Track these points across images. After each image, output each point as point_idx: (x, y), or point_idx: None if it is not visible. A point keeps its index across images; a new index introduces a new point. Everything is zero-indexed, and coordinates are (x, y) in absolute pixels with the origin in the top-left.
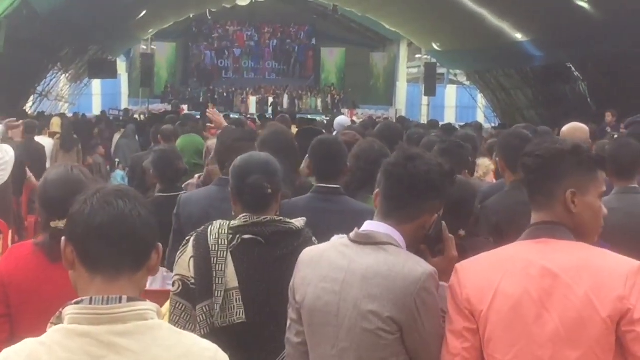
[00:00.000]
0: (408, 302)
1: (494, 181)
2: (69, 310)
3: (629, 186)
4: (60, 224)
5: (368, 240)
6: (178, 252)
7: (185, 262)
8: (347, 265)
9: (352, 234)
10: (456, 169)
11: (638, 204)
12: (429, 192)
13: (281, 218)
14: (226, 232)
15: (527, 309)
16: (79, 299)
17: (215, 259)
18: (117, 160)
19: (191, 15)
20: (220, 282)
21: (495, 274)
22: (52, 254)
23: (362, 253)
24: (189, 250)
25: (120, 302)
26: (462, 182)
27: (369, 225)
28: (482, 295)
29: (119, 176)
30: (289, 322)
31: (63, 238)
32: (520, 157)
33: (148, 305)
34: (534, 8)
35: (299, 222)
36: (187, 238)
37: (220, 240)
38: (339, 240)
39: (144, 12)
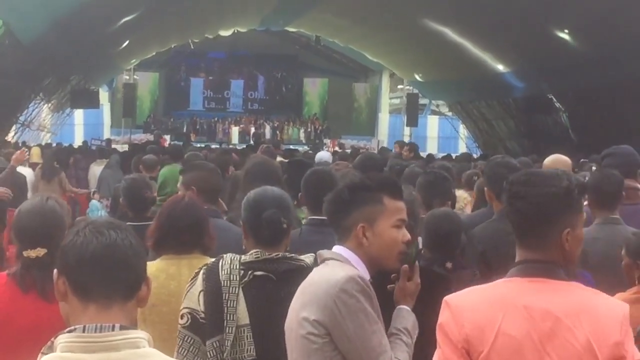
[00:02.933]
0: (329, 303)
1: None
2: (62, 339)
3: (610, 217)
4: (32, 253)
5: (320, 259)
6: (187, 285)
7: (194, 295)
8: (302, 283)
9: None
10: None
11: (619, 234)
12: (345, 207)
13: (292, 255)
14: (237, 267)
15: (529, 351)
16: (72, 327)
17: (227, 294)
18: (93, 190)
19: (173, 46)
20: (231, 319)
21: (495, 313)
22: (24, 284)
23: (313, 272)
24: (199, 283)
25: (113, 330)
26: (450, 214)
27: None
28: (482, 335)
29: (94, 206)
30: None
31: (55, 270)
32: (507, 197)
33: (140, 334)
34: (516, 39)
35: (308, 258)
36: (196, 271)
37: (232, 276)
38: None
39: (126, 42)
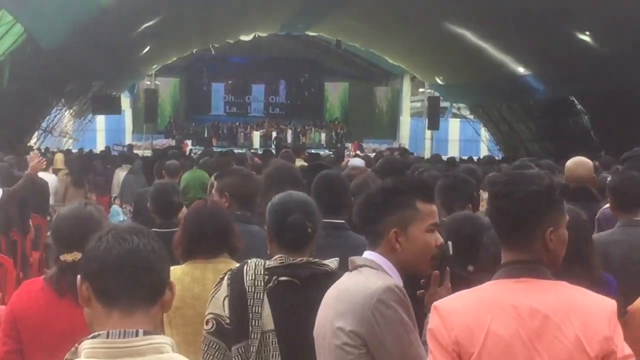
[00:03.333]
0: (366, 314)
1: None
2: (86, 345)
3: (633, 219)
4: (69, 257)
5: (352, 266)
6: (212, 290)
7: (219, 300)
8: (331, 290)
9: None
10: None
11: None
12: (378, 214)
13: (316, 260)
14: (262, 272)
15: (518, 350)
16: (96, 333)
17: (252, 300)
18: (113, 195)
19: (194, 51)
20: (256, 324)
21: (483, 314)
22: (60, 288)
23: (344, 278)
24: (223, 289)
25: (137, 335)
26: (471, 217)
27: (363, 255)
28: (472, 336)
29: (114, 212)
30: None
31: (79, 276)
32: (489, 197)
33: (164, 339)
34: (537, 42)
35: (333, 263)
36: (220, 276)
37: (256, 282)
38: None
39: (147, 48)
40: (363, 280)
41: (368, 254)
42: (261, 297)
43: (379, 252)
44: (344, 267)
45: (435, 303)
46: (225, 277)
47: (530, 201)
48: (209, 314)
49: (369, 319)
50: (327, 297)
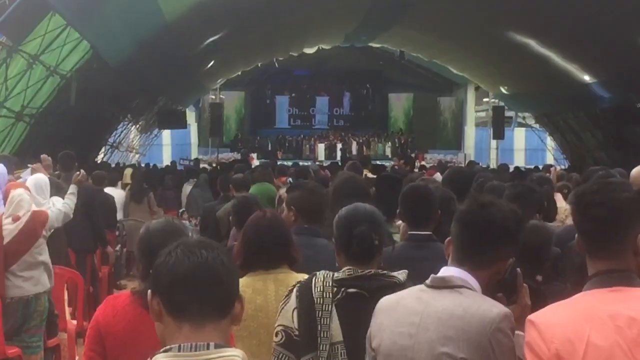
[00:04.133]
0: (483, 342)
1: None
2: (159, 358)
3: None
4: None
5: (443, 284)
6: (281, 302)
7: (288, 312)
8: (423, 309)
9: (428, 280)
10: (528, 213)
11: None
12: (504, 238)
13: (385, 271)
14: (330, 284)
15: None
16: (167, 347)
17: (320, 312)
18: (181, 210)
19: (259, 65)
20: (325, 336)
21: (581, 326)
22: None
23: (438, 297)
24: (292, 301)
25: (208, 348)
26: (538, 226)
27: (444, 271)
28: (572, 348)
29: None
30: None
31: (149, 290)
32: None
33: (235, 352)
34: (602, 49)
35: (401, 275)
36: (289, 288)
37: (325, 293)
38: (416, 287)
39: (212, 62)
40: (472, 304)
41: (458, 272)
42: (329, 309)
43: (466, 269)
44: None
45: (530, 317)
46: (295, 289)
47: (626, 208)
48: (279, 325)
49: (486, 348)
50: (414, 315)
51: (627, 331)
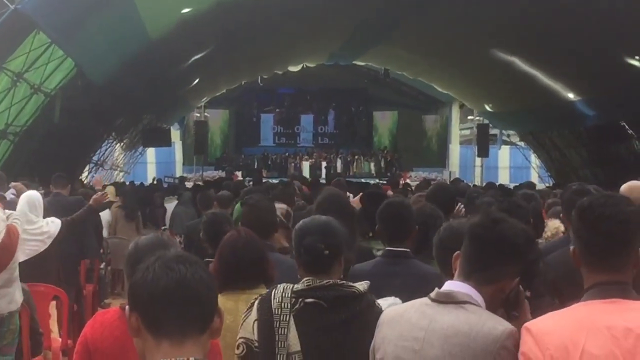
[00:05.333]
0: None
1: None
2: None
3: None
4: None
5: (448, 299)
6: (242, 315)
7: (249, 325)
8: (427, 324)
9: (432, 294)
10: None
11: None
12: (514, 257)
13: (344, 282)
14: (289, 295)
15: None
16: None
17: (278, 322)
18: (164, 227)
19: (244, 83)
20: (282, 346)
21: (577, 334)
22: None
23: (443, 312)
24: (253, 313)
25: None
26: None
27: (449, 285)
28: (567, 356)
29: None
30: None
31: (127, 306)
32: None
33: None
34: (587, 68)
35: (362, 285)
36: (251, 302)
37: (283, 304)
38: (419, 300)
39: (197, 80)
40: (478, 322)
41: (462, 287)
42: (287, 319)
43: (472, 285)
44: (409, 295)
45: (526, 324)
46: (256, 302)
47: (632, 221)
48: (240, 338)
49: None
50: (419, 330)
51: (622, 342)
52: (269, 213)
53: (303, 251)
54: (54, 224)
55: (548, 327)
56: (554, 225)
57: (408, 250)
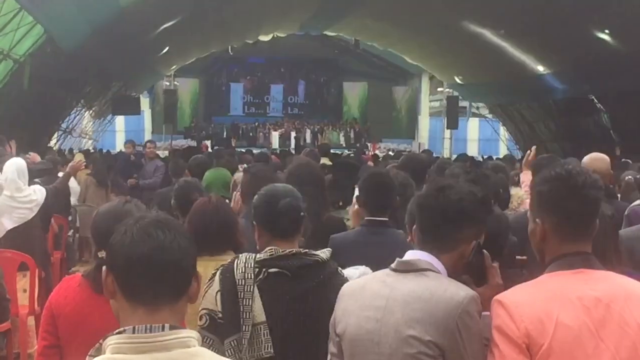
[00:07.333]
0: (450, 325)
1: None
2: (111, 340)
3: None
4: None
5: (408, 268)
6: (204, 286)
7: (212, 296)
8: (388, 292)
9: (393, 264)
10: None
11: None
12: (463, 221)
13: (307, 250)
14: (252, 266)
15: (586, 340)
16: (121, 328)
17: (242, 293)
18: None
19: (213, 51)
20: (247, 317)
21: (550, 305)
22: (97, 284)
23: (403, 280)
24: (216, 284)
25: (163, 330)
26: (496, 214)
27: (410, 254)
28: (542, 328)
29: None
30: (329, 356)
31: (104, 267)
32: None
33: (190, 333)
34: (556, 41)
35: (324, 253)
36: (213, 272)
37: (246, 274)
38: (381, 271)
39: (166, 49)
40: (439, 287)
41: (422, 255)
42: (251, 290)
43: (435, 255)
44: (386, 263)
45: (497, 297)
46: (218, 272)
47: (600, 193)
48: (203, 309)
49: (453, 331)
50: (380, 299)
51: (593, 312)
52: (270, 183)
53: (281, 212)
54: (40, 192)
55: (520, 299)
56: (517, 194)
57: (387, 219)
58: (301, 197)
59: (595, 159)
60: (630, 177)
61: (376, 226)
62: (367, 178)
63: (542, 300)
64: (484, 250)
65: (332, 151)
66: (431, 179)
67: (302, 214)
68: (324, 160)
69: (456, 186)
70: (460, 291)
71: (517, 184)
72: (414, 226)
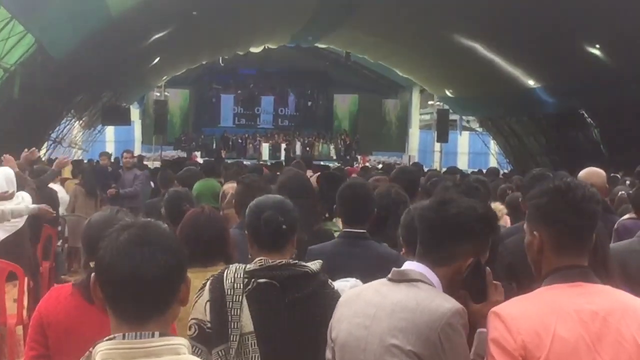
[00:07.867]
0: (431, 336)
1: (507, 225)
2: (102, 347)
3: None
4: None
5: (401, 278)
6: (195, 296)
7: (201, 306)
8: (379, 301)
9: (390, 273)
10: None
11: None
12: (459, 235)
13: (297, 261)
14: (242, 276)
15: (583, 353)
16: (111, 335)
17: (231, 303)
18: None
19: (204, 62)
20: (235, 327)
21: (547, 318)
22: (89, 294)
23: (395, 289)
24: (205, 294)
25: (153, 336)
26: None
27: (406, 265)
28: (539, 340)
29: None
30: None
31: (92, 275)
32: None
33: (180, 340)
34: (547, 55)
35: (314, 265)
36: (203, 282)
37: (235, 284)
38: (378, 280)
39: (157, 59)
40: (426, 298)
41: (418, 267)
42: (240, 300)
43: (430, 267)
44: (367, 275)
45: (494, 309)
46: (208, 282)
47: (598, 207)
48: (192, 319)
49: (435, 342)
50: (371, 307)
51: (590, 325)
52: (263, 193)
53: (263, 224)
54: (27, 199)
55: (517, 311)
56: (497, 208)
57: (365, 231)
58: (292, 209)
59: (592, 174)
60: (623, 192)
61: (353, 237)
62: (344, 189)
63: (539, 313)
64: (488, 268)
65: (322, 163)
66: (423, 192)
67: (284, 226)
68: (309, 173)
69: (457, 201)
70: (445, 303)
71: (502, 197)
72: (407, 239)
